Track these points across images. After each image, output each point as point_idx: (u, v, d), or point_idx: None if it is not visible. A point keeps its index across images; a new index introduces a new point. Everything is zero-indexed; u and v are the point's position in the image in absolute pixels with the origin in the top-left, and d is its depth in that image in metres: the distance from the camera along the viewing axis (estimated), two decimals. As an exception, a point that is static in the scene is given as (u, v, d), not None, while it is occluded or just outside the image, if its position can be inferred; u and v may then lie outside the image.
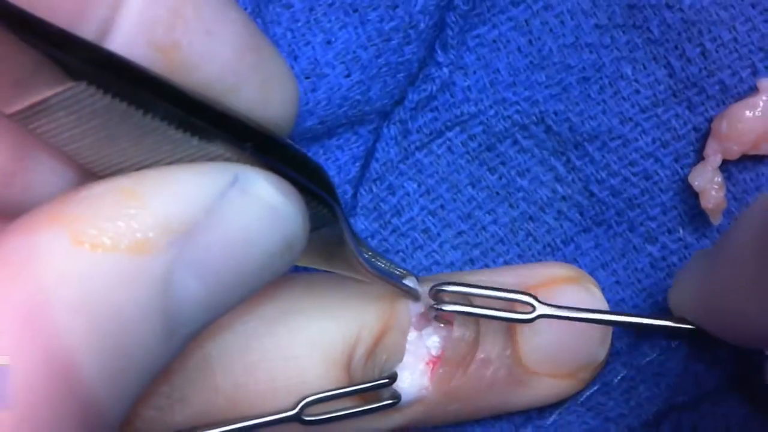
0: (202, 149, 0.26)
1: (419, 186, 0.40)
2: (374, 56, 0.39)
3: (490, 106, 0.40)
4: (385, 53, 0.39)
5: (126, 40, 0.25)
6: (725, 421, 0.37)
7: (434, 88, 0.40)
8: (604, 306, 0.38)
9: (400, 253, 0.40)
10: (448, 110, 0.40)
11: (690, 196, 0.39)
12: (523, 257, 0.41)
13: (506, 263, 0.41)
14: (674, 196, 0.40)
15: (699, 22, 0.39)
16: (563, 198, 0.40)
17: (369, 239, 0.40)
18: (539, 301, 0.35)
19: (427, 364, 0.36)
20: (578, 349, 0.37)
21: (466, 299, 0.36)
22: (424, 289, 0.36)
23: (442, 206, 0.40)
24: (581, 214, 0.40)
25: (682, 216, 0.40)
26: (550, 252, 0.41)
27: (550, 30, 0.39)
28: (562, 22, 0.39)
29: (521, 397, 0.37)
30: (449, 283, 0.36)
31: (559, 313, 0.35)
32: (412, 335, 0.36)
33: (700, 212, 0.39)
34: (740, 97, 0.39)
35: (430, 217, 0.40)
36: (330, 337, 0.35)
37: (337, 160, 0.40)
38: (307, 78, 0.39)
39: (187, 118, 0.25)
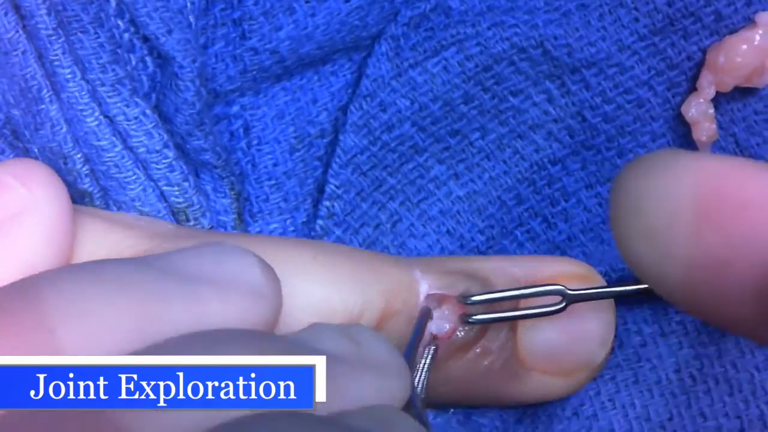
0: None
1: (412, 103, 0.39)
2: None
3: (488, 28, 0.39)
4: None
5: None
6: None
7: (428, 6, 0.39)
8: (610, 309, 0.38)
9: (387, 168, 0.40)
10: (444, 30, 0.39)
11: (679, 124, 0.40)
12: (509, 174, 0.41)
13: (491, 179, 0.41)
14: (664, 124, 0.40)
15: None
16: (555, 120, 0.40)
17: (358, 156, 0.40)
18: (569, 289, 0.36)
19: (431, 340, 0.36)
20: (577, 349, 0.38)
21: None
22: (424, 278, 0.37)
23: (432, 123, 0.40)
24: (571, 137, 0.40)
25: (670, 144, 0.40)
26: (537, 171, 0.41)
27: None
28: None
29: (513, 391, 0.38)
30: (478, 294, 0.36)
31: (588, 294, 0.36)
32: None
33: (687, 140, 0.40)
34: (733, 27, 0.39)
35: (420, 133, 0.40)
36: (331, 306, 0.34)
37: (331, 86, 0.40)
38: (307, 2, 0.38)
39: None
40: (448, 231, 0.41)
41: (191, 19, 0.36)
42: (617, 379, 0.41)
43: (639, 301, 0.41)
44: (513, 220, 0.41)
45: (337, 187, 0.40)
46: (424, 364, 0.36)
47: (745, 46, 0.38)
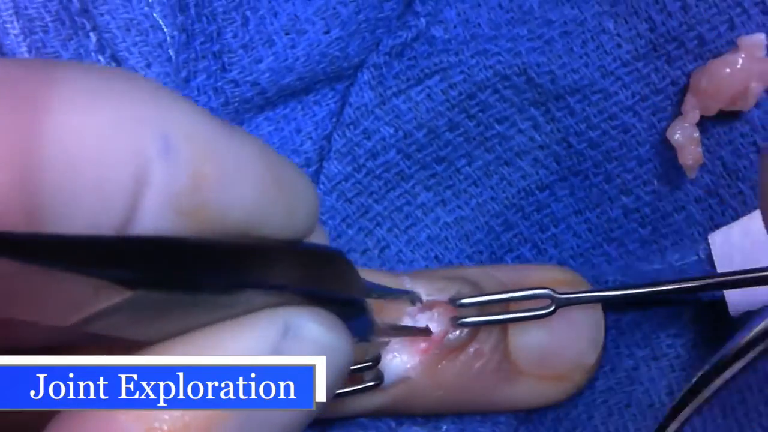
0: (246, 302, 0.26)
1: (396, 131, 0.40)
2: (354, 12, 0.38)
3: (472, 56, 0.39)
4: (365, 9, 0.38)
5: (153, 218, 0.24)
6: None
7: (409, 35, 0.39)
8: (598, 311, 0.38)
9: (373, 195, 0.40)
10: (427, 58, 0.39)
11: (665, 149, 0.40)
12: (497, 200, 0.41)
13: (479, 205, 0.41)
14: (650, 149, 0.40)
15: None
16: (541, 147, 0.40)
17: (342, 182, 0.40)
18: (556, 293, 0.36)
19: (421, 344, 0.37)
20: (567, 351, 0.38)
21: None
22: (413, 284, 0.37)
23: (418, 150, 0.40)
24: (558, 163, 0.40)
25: (657, 168, 0.40)
26: (525, 197, 0.41)
27: None
28: None
29: (506, 395, 0.38)
30: (468, 297, 0.37)
31: (577, 298, 0.36)
32: (407, 322, 0.37)
33: (674, 165, 0.40)
34: (717, 51, 0.39)
35: (406, 160, 0.40)
36: None
37: (314, 116, 0.40)
38: (287, 34, 0.38)
39: (231, 281, 0.25)
40: (436, 257, 0.41)
41: (171, 52, 0.37)
42: (610, 402, 0.41)
43: (630, 324, 0.41)
44: (502, 246, 0.41)
45: (321, 214, 0.40)
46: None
47: (728, 70, 0.38)
